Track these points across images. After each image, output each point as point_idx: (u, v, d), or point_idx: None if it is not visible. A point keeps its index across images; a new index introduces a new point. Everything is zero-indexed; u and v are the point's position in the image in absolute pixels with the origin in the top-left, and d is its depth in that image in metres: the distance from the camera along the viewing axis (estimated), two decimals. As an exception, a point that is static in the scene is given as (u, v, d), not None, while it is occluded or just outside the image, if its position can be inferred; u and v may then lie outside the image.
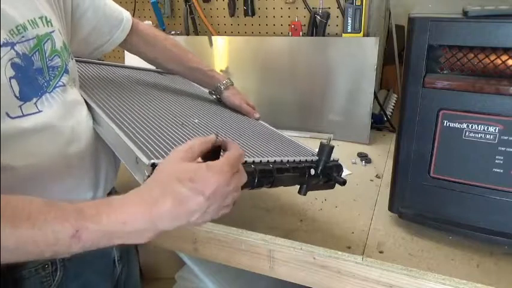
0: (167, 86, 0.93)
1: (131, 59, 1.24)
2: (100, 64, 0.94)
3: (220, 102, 0.91)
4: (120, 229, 0.41)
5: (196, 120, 0.70)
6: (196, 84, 0.99)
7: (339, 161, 0.68)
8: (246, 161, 0.55)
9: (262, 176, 0.55)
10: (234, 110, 0.88)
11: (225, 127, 0.73)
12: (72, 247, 0.40)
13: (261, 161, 0.58)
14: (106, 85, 0.79)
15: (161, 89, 0.88)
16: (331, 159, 0.65)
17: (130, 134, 0.56)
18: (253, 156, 0.59)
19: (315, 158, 0.64)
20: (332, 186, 0.67)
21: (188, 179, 0.42)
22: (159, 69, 1.00)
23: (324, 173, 0.63)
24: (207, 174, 0.43)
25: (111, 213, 0.41)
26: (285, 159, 0.62)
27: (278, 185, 0.59)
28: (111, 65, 0.97)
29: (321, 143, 0.64)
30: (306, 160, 0.65)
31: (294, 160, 0.63)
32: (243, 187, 0.52)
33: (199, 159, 0.47)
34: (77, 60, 0.87)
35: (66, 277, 0.62)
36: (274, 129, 0.83)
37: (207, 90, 0.95)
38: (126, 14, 0.80)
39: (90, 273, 0.67)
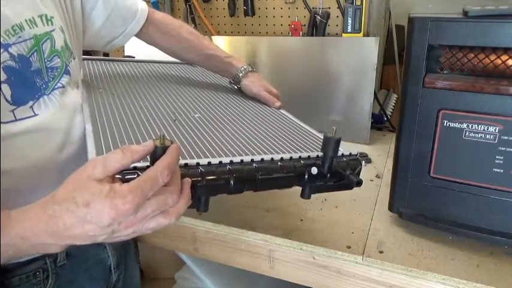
0: (178, 78, 0.89)
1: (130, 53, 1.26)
2: (111, 61, 0.95)
3: (240, 92, 0.85)
4: (22, 243, 0.40)
5: (197, 115, 0.66)
6: (217, 75, 0.93)
7: (357, 155, 0.57)
8: (221, 162, 0.49)
9: (240, 179, 0.48)
10: (253, 100, 0.81)
11: (228, 120, 0.67)
12: None
13: (242, 160, 0.50)
14: (109, 83, 0.78)
15: (169, 81, 0.84)
16: (348, 153, 0.57)
17: (101, 136, 0.52)
18: (245, 154, 0.53)
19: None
20: (349, 187, 0.55)
21: (84, 203, 0.38)
22: (176, 60, 0.97)
23: (333, 172, 0.53)
24: (104, 203, 0.37)
25: (12, 228, 0.39)
26: (277, 156, 0.53)
27: (266, 188, 0.52)
28: (120, 61, 0.97)
29: (324, 135, 0.53)
30: (309, 157, 0.55)
31: (291, 157, 0.54)
32: (216, 193, 0.48)
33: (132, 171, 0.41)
34: (84, 59, 0.88)
35: (59, 284, 0.61)
36: (295, 120, 0.73)
37: (227, 80, 0.89)
38: (142, 5, 0.78)
39: (83, 280, 0.65)
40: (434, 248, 0.65)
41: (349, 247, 0.66)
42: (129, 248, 0.80)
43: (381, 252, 0.64)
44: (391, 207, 0.70)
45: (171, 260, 1.22)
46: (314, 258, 0.66)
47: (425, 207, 0.66)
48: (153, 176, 0.39)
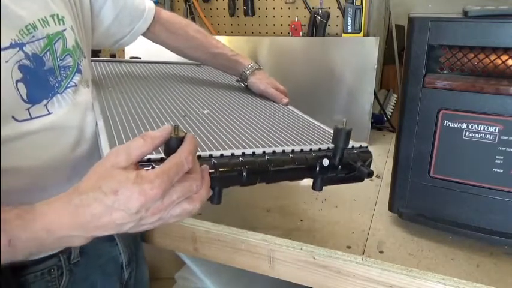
0: (185, 78, 0.89)
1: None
2: (118, 62, 0.95)
3: (248, 89, 0.86)
4: (47, 237, 0.40)
5: (206, 111, 0.66)
6: (224, 73, 0.94)
7: (367, 147, 0.57)
8: (233, 154, 0.49)
9: (252, 170, 0.48)
10: (261, 97, 0.82)
11: (237, 116, 0.67)
12: (15, 255, 0.40)
13: (253, 152, 0.50)
14: (118, 82, 0.79)
15: (177, 80, 0.85)
16: (358, 145, 0.57)
17: (114, 132, 0.53)
18: (255, 147, 0.53)
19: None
20: (360, 179, 0.55)
21: (112, 191, 0.38)
22: (183, 60, 0.97)
23: (344, 163, 0.53)
24: (132, 189, 0.38)
25: (36, 221, 0.39)
26: (289, 148, 0.53)
27: (278, 179, 0.52)
28: (127, 62, 0.98)
29: (335, 127, 0.53)
30: (320, 149, 0.55)
31: (302, 149, 0.54)
32: (229, 184, 0.48)
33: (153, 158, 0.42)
34: (93, 60, 0.88)
35: (73, 281, 0.61)
36: (303, 115, 0.74)
37: (235, 78, 0.90)
38: (149, 4, 0.78)
39: (97, 277, 0.66)
40: (434, 248, 0.65)
41: (349, 247, 0.66)
42: (139, 246, 0.81)
43: (381, 252, 0.64)
44: (391, 207, 0.70)
45: (171, 260, 1.22)
46: (314, 258, 0.66)
47: (425, 207, 0.66)
48: (178, 161, 0.40)
